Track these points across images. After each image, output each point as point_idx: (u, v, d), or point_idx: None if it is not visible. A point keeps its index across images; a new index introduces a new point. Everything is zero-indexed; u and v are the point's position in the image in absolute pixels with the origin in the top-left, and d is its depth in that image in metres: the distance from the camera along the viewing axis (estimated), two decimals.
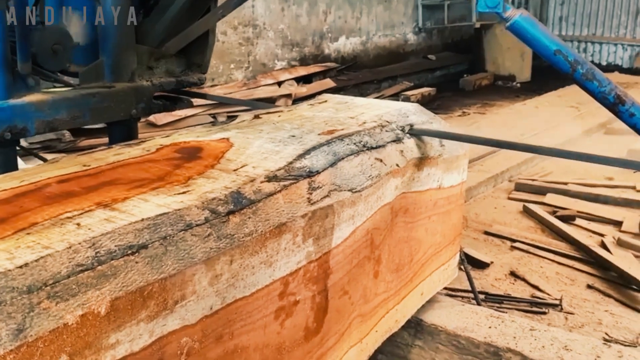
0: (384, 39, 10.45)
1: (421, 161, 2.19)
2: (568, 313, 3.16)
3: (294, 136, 1.89)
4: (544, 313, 3.15)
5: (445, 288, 2.79)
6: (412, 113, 2.33)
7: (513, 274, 3.59)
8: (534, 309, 3.20)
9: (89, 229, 1.21)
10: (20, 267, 1.06)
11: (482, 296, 3.15)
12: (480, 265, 3.65)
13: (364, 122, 2.10)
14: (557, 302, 3.24)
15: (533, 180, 5.11)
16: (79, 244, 1.15)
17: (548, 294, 3.34)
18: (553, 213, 4.42)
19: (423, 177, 2.22)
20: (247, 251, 1.41)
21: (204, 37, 2.74)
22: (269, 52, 8.56)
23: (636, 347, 2.84)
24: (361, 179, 1.83)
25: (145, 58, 2.56)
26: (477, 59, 11.41)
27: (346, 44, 9.76)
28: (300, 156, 1.72)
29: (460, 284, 3.18)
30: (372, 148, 1.96)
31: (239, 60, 8.16)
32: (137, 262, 1.18)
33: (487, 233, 4.17)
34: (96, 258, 1.14)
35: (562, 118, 7.25)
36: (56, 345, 1.03)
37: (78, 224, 1.23)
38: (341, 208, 1.73)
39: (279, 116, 2.21)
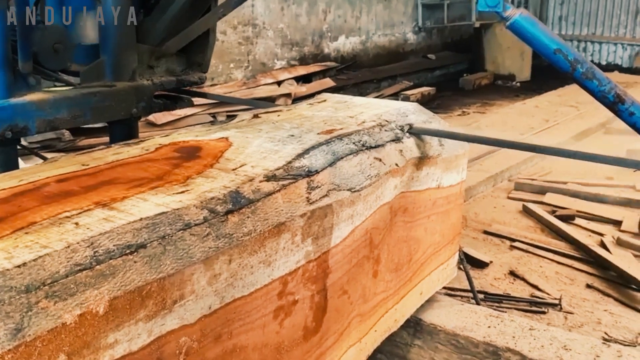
0: (383, 38, 10.45)
1: (420, 161, 2.19)
2: (567, 312, 3.16)
3: (293, 135, 1.89)
4: (543, 312, 3.15)
5: (444, 287, 2.79)
6: (412, 112, 2.33)
7: (512, 273, 3.59)
8: (533, 308, 3.20)
9: (88, 228, 1.21)
10: (19, 266, 1.06)
11: (481, 296, 3.15)
12: (480, 264, 3.65)
13: (363, 122, 2.10)
14: (557, 301, 3.24)
15: (532, 179, 5.11)
16: (78, 243, 1.15)
17: (547, 294, 3.34)
18: (552, 212, 4.42)
19: (422, 176, 2.22)
20: (245, 251, 1.41)
21: (204, 36, 2.74)
22: (268, 51, 8.56)
23: (635, 346, 2.84)
24: (360, 179, 1.83)
25: (146, 57, 2.56)
26: (477, 58, 11.42)
27: (346, 44, 9.76)
28: (299, 156, 1.72)
29: (460, 284, 3.18)
30: (371, 147, 1.96)
31: (238, 59, 8.16)
32: (135, 262, 1.18)
33: (486, 232, 4.17)
34: (95, 257, 1.14)
35: (561, 117, 7.25)
36: (54, 344, 1.03)
37: (76, 224, 1.23)
38: (340, 207, 1.73)
39: (278, 115, 2.21)
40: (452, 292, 3.14)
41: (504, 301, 3.23)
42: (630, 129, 2.07)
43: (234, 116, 2.29)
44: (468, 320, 2.42)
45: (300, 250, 1.60)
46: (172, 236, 1.27)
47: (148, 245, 1.22)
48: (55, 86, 2.37)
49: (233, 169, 1.61)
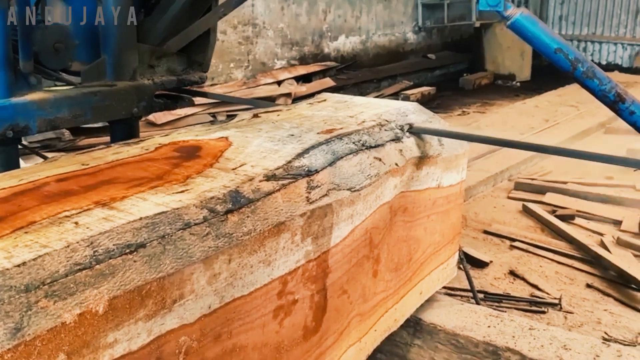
0: (383, 38, 10.45)
1: (420, 160, 2.19)
2: (567, 312, 3.16)
3: (292, 135, 1.89)
4: (543, 312, 3.15)
5: (444, 287, 2.79)
6: (412, 112, 2.33)
7: (512, 273, 3.59)
8: (533, 308, 3.20)
9: (87, 227, 1.21)
10: (18, 265, 1.06)
11: (481, 295, 3.15)
12: (480, 264, 3.65)
13: (363, 121, 2.10)
14: (557, 301, 3.24)
15: (532, 179, 5.11)
16: (77, 242, 1.15)
17: (547, 293, 3.34)
18: (552, 212, 4.42)
19: (422, 176, 2.22)
20: (245, 250, 1.41)
21: (205, 36, 2.74)
22: (268, 51, 8.56)
23: (635, 346, 2.84)
24: (360, 178, 1.83)
25: (146, 57, 2.56)
26: (477, 58, 11.42)
27: (346, 43, 9.76)
28: (299, 155, 1.72)
29: (460, 283, 3.18)
30: (371, 147, 1.96)
31: (238, 59, 8.16)
32: (135, 261, 1.18)
33: (486, 232, 4.17)
34: (94, 257, 1.14)
35: (561, 117, 7.25)
36: (54, 344, 1.03)
37: (76, 223, 1.23)
38: (340, 207, 1.73)
39: (278, 115, 2.21)
40: (452, 292, 3.14)
41: (503, 301, 3.23)
42: (631, 129, 2.07)
43: (234, 116, 2.29)
44: (468, 320, 2.42)
45: (300, 250, 1.60)
46: (171, 236, 1.27)
47: (148, 244, 1.22)
48: (56, 85, 2.37)
49: (233, 169, 1.61)
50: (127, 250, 1.19)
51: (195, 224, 1.33)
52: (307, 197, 1.62)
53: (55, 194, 1.38)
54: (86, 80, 2.38)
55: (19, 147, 2.32)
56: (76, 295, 1.07)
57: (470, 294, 3.00)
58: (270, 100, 7.34)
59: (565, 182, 4.94)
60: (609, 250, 3.75)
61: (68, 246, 1.13)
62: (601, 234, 4.04)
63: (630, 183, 4.94)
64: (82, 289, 1.09)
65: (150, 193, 1.41)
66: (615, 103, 2.02)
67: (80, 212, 1.28)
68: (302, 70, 8.78)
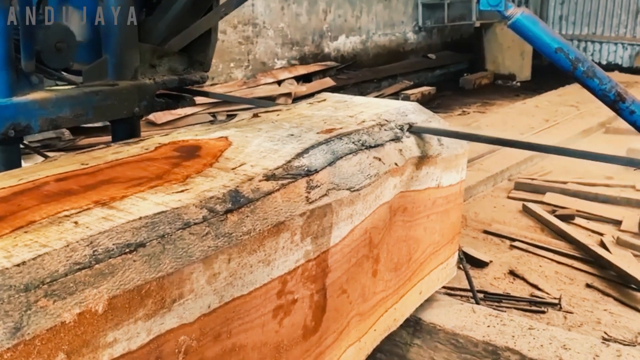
0: (383, 37, 10.45)
1: (420, 160, 2.19)
2: (567, 312, 3.16)
3: (292, 135, 1.89)
4: (543, 312, 3.15)
5: (444, 287, 2.79)
6: (411, 112, 2.33)
7: (512, 273, 3.59)
8: (533, 308, 3.20)
9: (87, 227, 1.21)
10: (18, 265, 1.06)
11: (481, 295, 3.15)
12: (479, 264, 3.65)
13: (363, 121, 2.10)
14: (556, 301, 3.24)
15: (532, 179, 5.11)
16: (77, 242, 1.15)
17: (547, 293, 3.34)
18: (552, 212, 4.42)
19: (422, 176, 2.22)
20: (245, 250, 1.41)
21: (206, 35, 2.74)
22: (268, 50, 8.56)
23: (635, 346, 2.84)
24: (360, 178, 1.83)
25: (148, 56, 2.56)
26: (477, 58, 11.42)
27: (346, 43, 9.76)
28: (299, 155, 1.72)
29: (459, 283, 3.18)
30: (371, 147, 1.96)
31: (238, 59, 8.16)
32: (134, 261, 1.18)
33: (486, 232, 4.17)
34: (94, 256, 1.14)
35: (561, 117, 7.25)
36: (53, 343, 1.03)
37: (76, 223, 1.23)
38: (339, 207, 1.73)
39: (278, 115, 2.21)
40: (452, 292, 3.14)
41: (503, 301, 3.23)
42: (631, 128, 2.08)
43: (234, 115, 2.29)
44: (467, 320, 2.42)
45: (300, 250, 1.60)
46: (171, 235, 1.27)
47: (147, 244, 1.22)
48: (58, 85, 2.37)
49: (232, 168, 1.61)
50: (127, 250, 1.19)
51: (195, 224, 1.33)
52: (306, 196, 1.62)
53: (55, 193, 1.39)
54: (88, 79, 2.38)
55: (21, 146, 2.31)
56: (76, 295, 1.07)
57: (470, 294, 3.00)
58: (271, 100, 7.34)
59: (565, 182, 4.95)
60: (608, 250, 3.75)
61: (68, 246, 1.13)
62: (601, 234, 4.05)
63: (630, 183, 4.94)
64: (82, 288, 1.09)
65: (150, 193, 1.41)
66: (615, 102, 2.02)
67: (79, 212, 1.28)
68: (302, 70, 8.78)
